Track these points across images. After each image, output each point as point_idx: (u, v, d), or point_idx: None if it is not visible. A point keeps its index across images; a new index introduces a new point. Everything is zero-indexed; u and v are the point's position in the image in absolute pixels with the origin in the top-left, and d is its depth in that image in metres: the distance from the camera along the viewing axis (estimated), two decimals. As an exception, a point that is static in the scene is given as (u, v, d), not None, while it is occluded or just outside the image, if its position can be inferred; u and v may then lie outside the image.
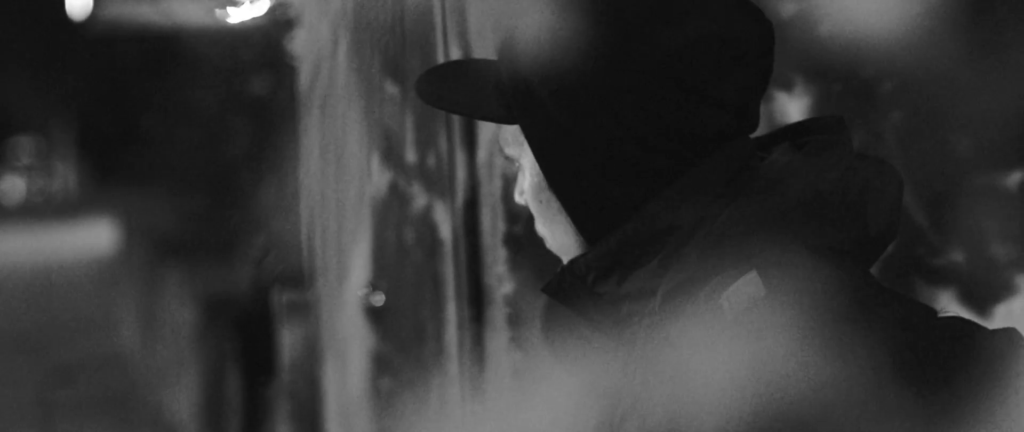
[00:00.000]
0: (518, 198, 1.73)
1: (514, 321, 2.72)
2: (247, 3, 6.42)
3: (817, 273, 1.56)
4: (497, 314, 2.76)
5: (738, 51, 1.63)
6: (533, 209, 1.70)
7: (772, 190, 1.61)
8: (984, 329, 1.63)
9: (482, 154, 2.79)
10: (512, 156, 1.70)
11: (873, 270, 1.67)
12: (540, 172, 1.66)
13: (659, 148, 1.62)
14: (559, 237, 1.69)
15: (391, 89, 3.20)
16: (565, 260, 1.70)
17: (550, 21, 1.63)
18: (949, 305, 2.77)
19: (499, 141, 1.74)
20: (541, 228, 1.71)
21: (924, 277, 2.80)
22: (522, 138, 1.66)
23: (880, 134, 2.79)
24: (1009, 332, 1.62)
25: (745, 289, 1.54)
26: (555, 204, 1.67)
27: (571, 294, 1.68)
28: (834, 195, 1.61)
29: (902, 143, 2.79)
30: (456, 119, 2.82)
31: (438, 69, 1.74)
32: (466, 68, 1.73)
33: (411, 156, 3.12)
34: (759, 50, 1.65)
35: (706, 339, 1.55)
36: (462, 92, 1.69)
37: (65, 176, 33.60)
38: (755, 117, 1.68)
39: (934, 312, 1.64)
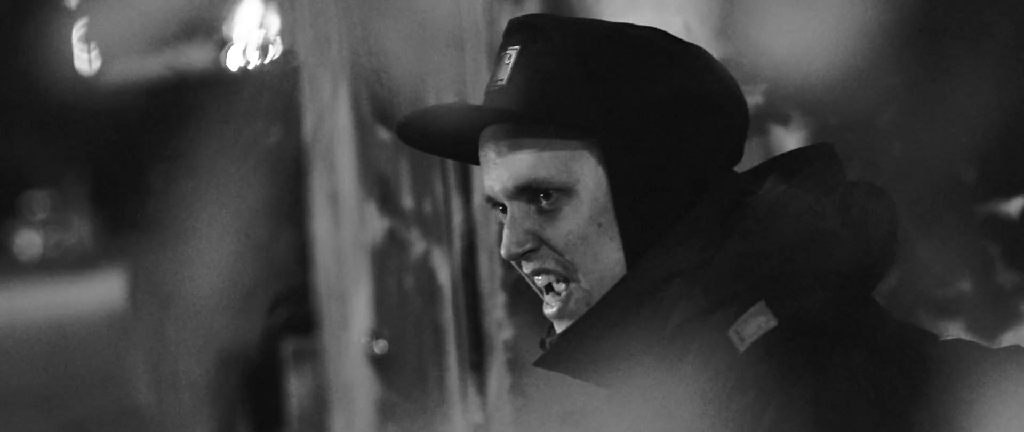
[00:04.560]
0: (519, 246, 1.66)
1: (514, 366, 2.70)
2: (249, 51, 6.43)
3: (826, 299, 1.59)
4: (497, 360, 2.73)
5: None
6: (578, 238, 1.65)
7: (768, 226, 1.64)
8: (987, 349, 1.68)
9: (478, 198, 2.77)
10: (562, 185, 1.65)
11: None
12: (608, 192, 1.64)
13: (703, 175, 1.66)
14: (604, 265, 1.66)
15: (384, 135, 3.19)
16: (581, 299, 1.66)
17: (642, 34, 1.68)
18: (956, 336, 2.74)
19: (503, 182, 1.66)
20: (581, 261, 1.66)
21: (930, 308, 2.77)
22: (583, 160, 1.64)
23: (880, 166, 2.77)
24: (1014, 350, 1.68)
25: (755, 320, 1.57)
26: (612, 229, 1.65)
27: (576, 354, 1.66)
28: (833, 220, 1.65)
29: (903, 174, 2.77)
30: (451, 164, 2.80)
31: (501, 88, 1.68)
32: (537, 83, 1.66)
33: (408, 202, 3.11)
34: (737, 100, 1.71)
35: (719, 372, 1.56)
36: (541, 103, 1.64)
37: (80, 230, 33.66)
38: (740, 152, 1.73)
39: (936, 336, 1.68)
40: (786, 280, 1.61)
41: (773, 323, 1.57)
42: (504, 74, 1.67)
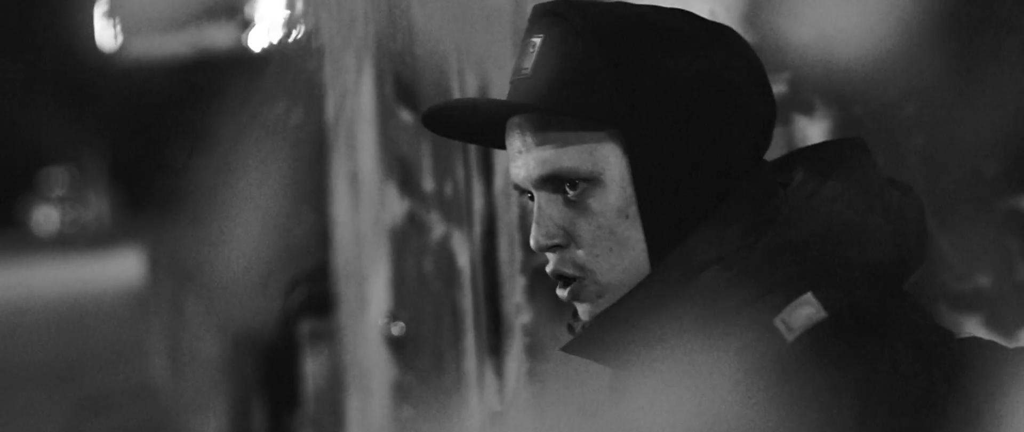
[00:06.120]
0: (549, 239, 1.65)
1: (532, 351, 2.69)
2: (269, 30, 6.43)
3: (871, 293, 1.59)
4: (516, 344, 2.73)
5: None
6: (607, 232, 1.64)
7: (809, 216, 1.63)
8: (1004, 348, 1.67)
9: (499, 182, 2.76)
10: (588, 174, 1.63)
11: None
12: (631, 185, 1.63)
13: (729, 165, 1.63)
14: (627, 262, 1.64)
15: (406, 117, 3.18)
16: (605, 292, 1.65)
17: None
18: (975, 331, 2.73)
19: (533, 169, 1.65)
20: (604, 255, 1.65)
21: (949, 303, 2.76)
22: (608, 150, 1.63)
23: (902, 158, 2.76)
24: None
25: (803, 310, 1.56)
26: (636, 224, 1.63)
27: (607, 340, 1.65)
28: (875, 214, 1.64)
29: (925, 166, 2.76)
30: (473, 147, 2.79)
31: (526, 77, 1.67)
32: (560, 73, 1.65)
33: (428, 185, 3.10)
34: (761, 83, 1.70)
35: (765, 359, 1.55)
36: (564, 94, 1.63)
37: (98, 206, 33.73)
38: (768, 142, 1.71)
39: (953, 334, 1.67)
40: (830, 271, 1.60)
41: (822, 315, 1.56)
42: (529, 63, 1.66)
